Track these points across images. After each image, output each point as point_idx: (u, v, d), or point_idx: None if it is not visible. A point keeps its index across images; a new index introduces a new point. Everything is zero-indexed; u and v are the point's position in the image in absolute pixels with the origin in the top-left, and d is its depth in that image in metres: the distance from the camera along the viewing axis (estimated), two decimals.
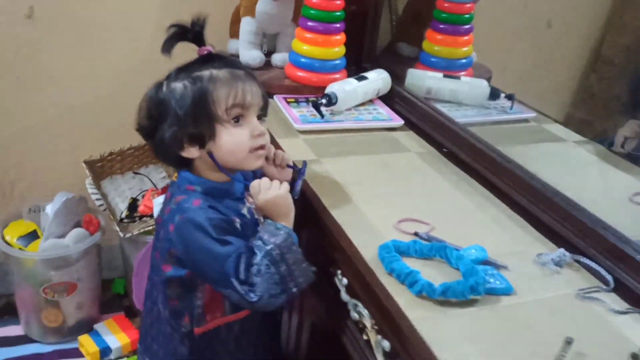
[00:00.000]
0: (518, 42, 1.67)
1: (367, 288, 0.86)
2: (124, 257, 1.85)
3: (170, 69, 0.94)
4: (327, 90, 1.34)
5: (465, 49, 1.53)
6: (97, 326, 1.75)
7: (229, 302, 0.96)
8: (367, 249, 0.88)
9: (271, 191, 0.91)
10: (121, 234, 1.56)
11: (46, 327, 1.71)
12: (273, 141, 1.20)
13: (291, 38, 1.48)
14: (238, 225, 0.92)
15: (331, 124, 1.30)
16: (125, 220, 1.62)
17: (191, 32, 0.93)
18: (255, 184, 0.92)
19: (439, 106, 1.37)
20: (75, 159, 1.69)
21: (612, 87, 1.49)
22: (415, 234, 0.93)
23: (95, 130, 1.76)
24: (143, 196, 1.67)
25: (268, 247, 0.86)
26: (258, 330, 1.04)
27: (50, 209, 1.59)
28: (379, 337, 0.85)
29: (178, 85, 0.90)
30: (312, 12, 1.38)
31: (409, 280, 0.80)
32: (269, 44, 1.58)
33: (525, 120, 1.42)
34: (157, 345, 1.06)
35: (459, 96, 1.42)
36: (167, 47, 0.92)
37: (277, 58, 1.53)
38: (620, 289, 0.82)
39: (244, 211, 0.95)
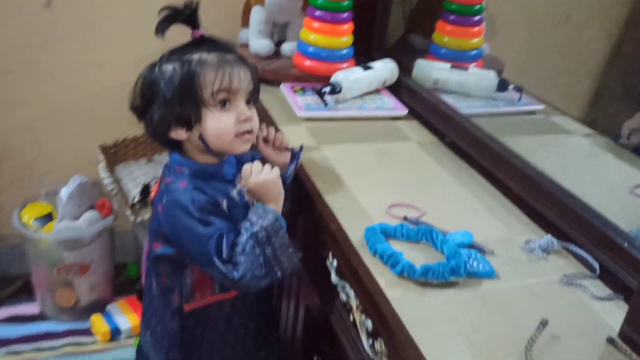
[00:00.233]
0: (535, 34, 1.65)
1: (352, 269, 0.87)
2: (136, 242, 1.89)
3: None
4: (332, 79, 1.35)
5: (475, 40, 1.52)
6: (109, 307, 1.80)
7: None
8: (355, 232, 0.89)
9: (262, 175, 0.92)
10: (132, 219, 1.61)
11: (60, 306, 1.77)
12: (274, 126, 1.22)
13: (300, 27, 1.49)
14: (225, 207, 0.93)
15: (334, 112, 1.31)
16: (137, 205, 1.66)
17: (183, 14, 0.94)
18: (247, 167, 0.93)
19: (446, 97, 1.37)
20: (90, 145, 1.74)
21: (631, 83, 1.46)
22: (405, 218, 0.94)
23: (111, 117, 1.79)
24: (156, 182, 1.70)
25: (255, 229, 0.87)
26: (249, 311, 1.06)
27: (64, 192, 1.64)
28: (363, 316, 0.86)
29: (168, 67, 0.92)
30: (319, 1, 1.40)
31: (391, 261, 0.81)
32: (279, 33, 1.60)
33: (533, 113, 1.41)
34: (155, 321, 1.09)
35: (466, 87, 1.42)
36: (160, 29, 0.93)
37: (287, 47, 1.55)
38: (606, 276, 0.82)
39: (234, 193, 0.96)
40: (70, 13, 1.65)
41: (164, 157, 1.83)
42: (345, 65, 1.45)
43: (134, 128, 1.72)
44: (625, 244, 0.81)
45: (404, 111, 1.35)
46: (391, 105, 1.38)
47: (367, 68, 1.40)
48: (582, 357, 0.69)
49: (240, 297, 1.03)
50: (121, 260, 1.95)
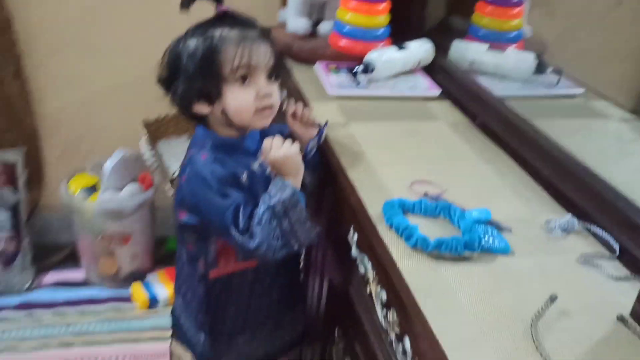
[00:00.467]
0: (583, 18, 1.61)
1: (369, 241, 0.89)
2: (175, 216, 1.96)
3: None
4: (365, 59, 1.36)
5: (514, 22, 1.50)
6: (149, 277, 1.88)
7: None
8: (375, 206, 0.90)
9: (281, 150, 0.93)
10: (171, 193, 1.67)
11: (103, 274, 1.86)
12: (306, 104, 1.25)
13: (338, 7, 1.50)
14: (245, 180, 0.96)
15: (366, 91, 1.32)
16: (177, 181, 1.71)
17: None
18: (267, 142, 0.95)
19: (482, 79, 1.36)
20: (136, 121, 1.81)
21: None
22: (425, 194, 0.94)
23: (156, 94, 1.87)
24: None
25: (272, 202, 0.90)
26: (271, 280, 1.10)
27: (108, 165, 1.72)
28: (379, 288, 0.88)
29: (192, 42, 0.94)
30: None
31: (405, 233, 0.82)
32: (317, 13, 1.62)
33: (572, 96, 1.38)
34: (185, 287, 1.14)
35: (503, 69, 1.40)
36: (186, 3, 0.96)
37: (323, 27, 1.56)
38: (625, 257, 0.81)
39: (255, 166, 0.99)
40: None
41: None
42: (380, 45, 1.45)
43: None
44: None
45: (436, 92, 1.35)
46: (424, 86, 1.37)
47: (401, 48, 1.40)
48: (589, 333, 0.69)
49: (262, 267, 1.07)
50: (162, 234, 2.02)
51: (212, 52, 0.92)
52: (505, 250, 0.81)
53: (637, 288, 0.74)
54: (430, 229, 0.85)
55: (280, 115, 1.07)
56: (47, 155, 1.94)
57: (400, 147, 1.12)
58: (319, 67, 1.43)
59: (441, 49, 1.47)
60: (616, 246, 0.82)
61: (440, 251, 0.80)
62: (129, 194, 1.73)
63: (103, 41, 1.79)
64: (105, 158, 1.80)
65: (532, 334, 0.66)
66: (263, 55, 0.94)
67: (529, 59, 1.39)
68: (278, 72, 0.99)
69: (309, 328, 1.25)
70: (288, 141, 0.96)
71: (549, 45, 1.55)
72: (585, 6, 1.58)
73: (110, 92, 1.87)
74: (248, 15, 0.98)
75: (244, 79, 0.94)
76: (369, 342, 0.92)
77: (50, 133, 1.91)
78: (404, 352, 0.78)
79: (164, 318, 1.77)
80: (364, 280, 0.95)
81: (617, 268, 0.80)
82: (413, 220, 0.87)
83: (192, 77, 0.93)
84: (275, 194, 0.91)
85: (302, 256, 1.35)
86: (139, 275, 1.89)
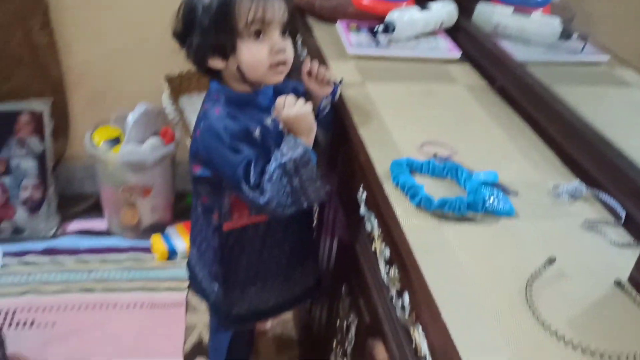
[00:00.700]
0: None
1: (375, 199, 0.90)
2: None
3: None
4: (386, 18, 1.34)
5: None
6: (168, 229, 1.93)
7: None
8: (383, 165, 0.91)
9: (294, 109, 0.94)
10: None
11: (124, 224, 1.91)
12: (323, 63, 1.24)
13: None
14: (257, 135, 0.97)
15: (385, 51, 1.31)
16: None
17: None
18: (280, 100, 0.95)
19: (504, 42, 1.34)
20: (159, 74, 1.83)
21: None
22: (434, 155, 0.94)
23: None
24: None
25: (283, 160, 0.91)
26: (283, 234, 1.12)
27: (131, 117, 1.75)
28: (383, 245, 0.90)
29: None
30: None
31: (410, 192, 0.83)
32: None
33: (596, 64, 1.35)
34: (199, 238, 1.17)
35: (527, 33, 1.37)
36: None
37: None
38: (630, 225, 0.81)
39: (268, 122, 1.00)
40: None
41: None
42: (403, 4, 1.43)
43: None
44: None
45: (457, 54, 1.33)
46: (445, 48, 1.36)
47: (424, 8, 1.38)
48: (585, 296, 0.69)
49: (274, 221, 1.09)
50: (182, 188, 2.06)
51: (226, 6, 0.92)
52: (509, 213, 0.82)
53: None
54: (436, 189, 0.86)
55: (297, 73, 1.08)
56: (73, 106, 1.98)
57: (415, 108, 1.12)
58: (340, 26, 1.42)
59: (465, 10, 1.44)
60: (622, 213, 0.82)
61: (443, 211, 0.80)
62: (151, 147, 1.76)
63: None
64: (129, 111, 1.83)
65: (525, 293, 0.67)
66: (277, 10, 0.94)
67: (554, 24, 1.36)
68: (293, 29, 0.99)
69: (319, 283, 1.27)
70: (301, 100, 0.96)
71: (576, 11, 1.51)
72: None
73: (134, 46, 1.89)
74: None
75: (258, 33, 0.94)
76: (372, 297, 0.94)
77: (76, 85, 1.95)
78: (403, 307, 0.80)
79: (181, 270, 1.82)
80: (370, 238, 0.97)
81: (621, 235, 0.80)
82: (420, 180, 0.88)
83: (206, 31, 0.93)
84: (287, 152, 0.92)
85: (315, 214, 1.37)
86: (158, 228, 1.94)
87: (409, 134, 1.02)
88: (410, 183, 0.84)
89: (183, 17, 0.97)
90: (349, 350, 1.10)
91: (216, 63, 0.97)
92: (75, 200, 2.07)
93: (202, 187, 1.07)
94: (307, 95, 1.10)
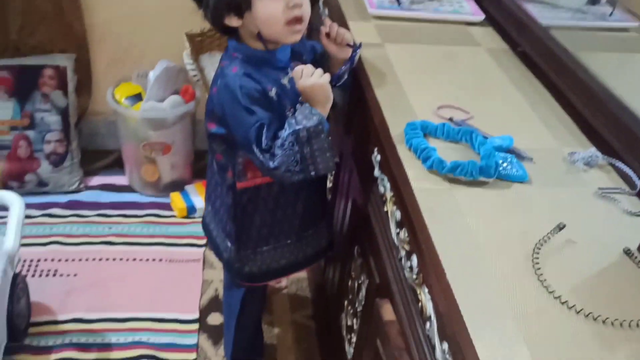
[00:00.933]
0: None
1: (388, 161, 0.90)
2: None
3: None
4: None
5: None
6: (187, 187, 1.96)
7: None
8: (397, 127, 0.91)
9: (311, 79, 0.94)
10: None
11: (145, 180, 1.94)
12: (343, 23, 1.23)
13: None
14: (273, 95, 0.97)
15: (406, 11, 1.29)
16: None
17: None
18: (297, 70, 0.95)
19: (530, 6, 1.30)
20: (181, 32, 1.82)
21: None
22: (450, 119, 0.94)
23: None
24: None
25: (297, 128, 0.92)
26: (296, 194, 1.13)
27: (152, 74, 1.76)
28: (394, 207, 0.90)
29: None
30: None
31: (423, 155, 0.83)
32: None
33: (625, 30, 1.31)
34: (214, 196, 1.19)
35: None
36: None
37: None
38: None
39: (284, 80, 0.99)
40: None
41: None
42: None
43: None
44: None
45: (480, 17, 1.31)
46: (468, 10, 1.33)
47: None
48: (592, 263, 0.69)
49: None
50: (202, 147, 2.08)
51: None
52: (522, 179, 0.81)
53: None
54: (449, 153, 0.85)
55: (317, 33, 1.07)
56: (95, 63, 1.99)
57: (434, 71, 1.11)
58: None
59: None
60: (638, 182, 0.81)
61: (455, 174, 0.80)
62: (171, 105, 1.77)
63: None
64: (150, 69, 1.84)
65: (532, 258, 0.68)
66: None
67: None
68: None
69: (331, 245, 1.29)
70: (319, 70, 0.96)
71: None
72: None
73: (156, 4, 1.88)
74: None
75: None
76: (382, 258, 0.95)
77: (99, 42, 1.95)
78: (411, 268, 0.81)
79: (199, 226, 1.85)
80: (383, 200, 0.97)
81: (634, 204, 0.79)
82: (434, 143, 0.88)
83: None
84: (301, 121, 0.93)
85: (331, 176, 1.37)
86: (178, 185, 1.96)
87: (426, 97, 1.01)
88: (424, 145, 0.83)
89: None
90: (359, 309, 1.12)
91: (232, 21, 0.97)
92: (98, 155, 2.10)
93: (217, 145, 1.08)
94: (325, 55, 1.09)
